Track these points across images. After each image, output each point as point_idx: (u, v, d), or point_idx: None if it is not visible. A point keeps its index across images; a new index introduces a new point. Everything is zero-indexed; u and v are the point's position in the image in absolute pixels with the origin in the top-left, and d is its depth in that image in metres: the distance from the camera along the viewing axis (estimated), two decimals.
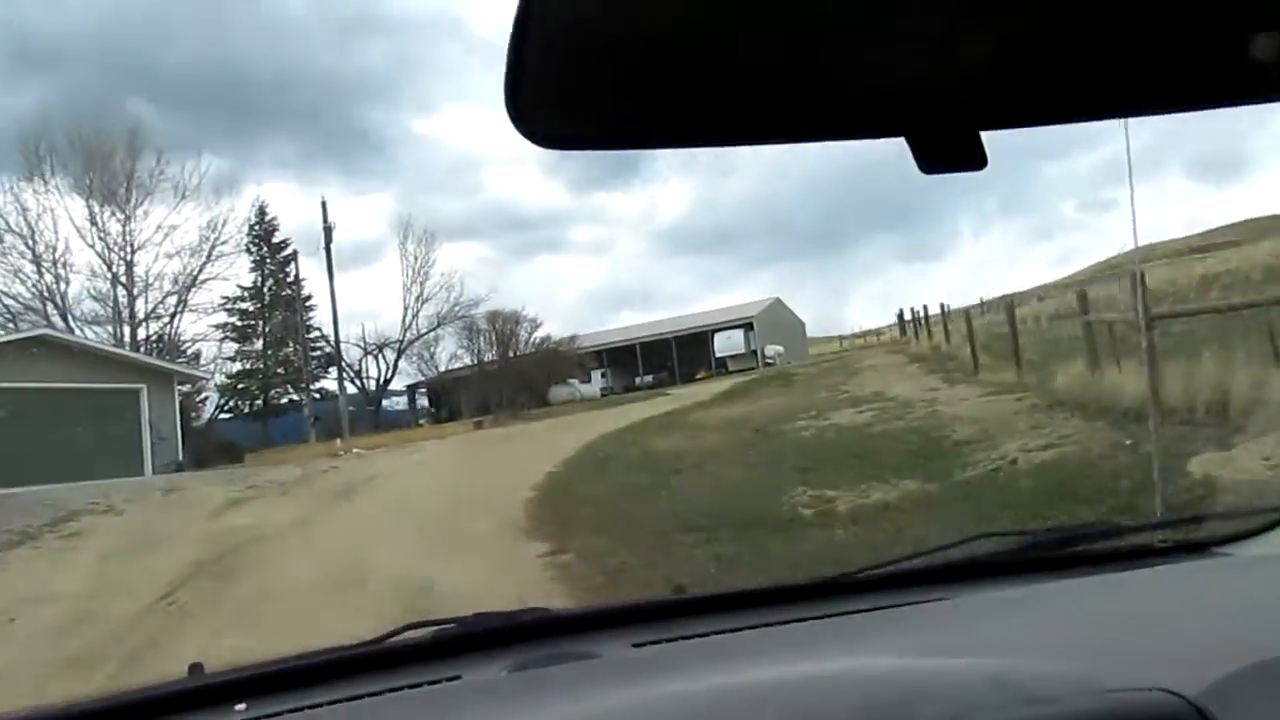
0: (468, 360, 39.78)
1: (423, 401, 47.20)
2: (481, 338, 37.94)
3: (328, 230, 31.65)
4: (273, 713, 1.26)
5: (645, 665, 1.32)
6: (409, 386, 46.64)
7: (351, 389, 43.25)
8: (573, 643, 1.41)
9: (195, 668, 1.44)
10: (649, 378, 57.67)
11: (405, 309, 43.58)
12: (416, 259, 43.16)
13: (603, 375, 57.05)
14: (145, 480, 20.61)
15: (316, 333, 42.35)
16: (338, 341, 31.81)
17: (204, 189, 37.86)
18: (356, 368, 43.28)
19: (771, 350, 61.11)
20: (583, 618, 1.66)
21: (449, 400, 40.21)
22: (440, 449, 20.77)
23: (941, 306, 37.78)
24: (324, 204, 32.16)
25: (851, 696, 0.94)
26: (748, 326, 62.10)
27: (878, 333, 74.97)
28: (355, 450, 25.04)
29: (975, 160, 0.74)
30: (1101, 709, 0.91)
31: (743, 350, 61.15)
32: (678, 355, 63.21)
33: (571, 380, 38.69)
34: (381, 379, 43.97)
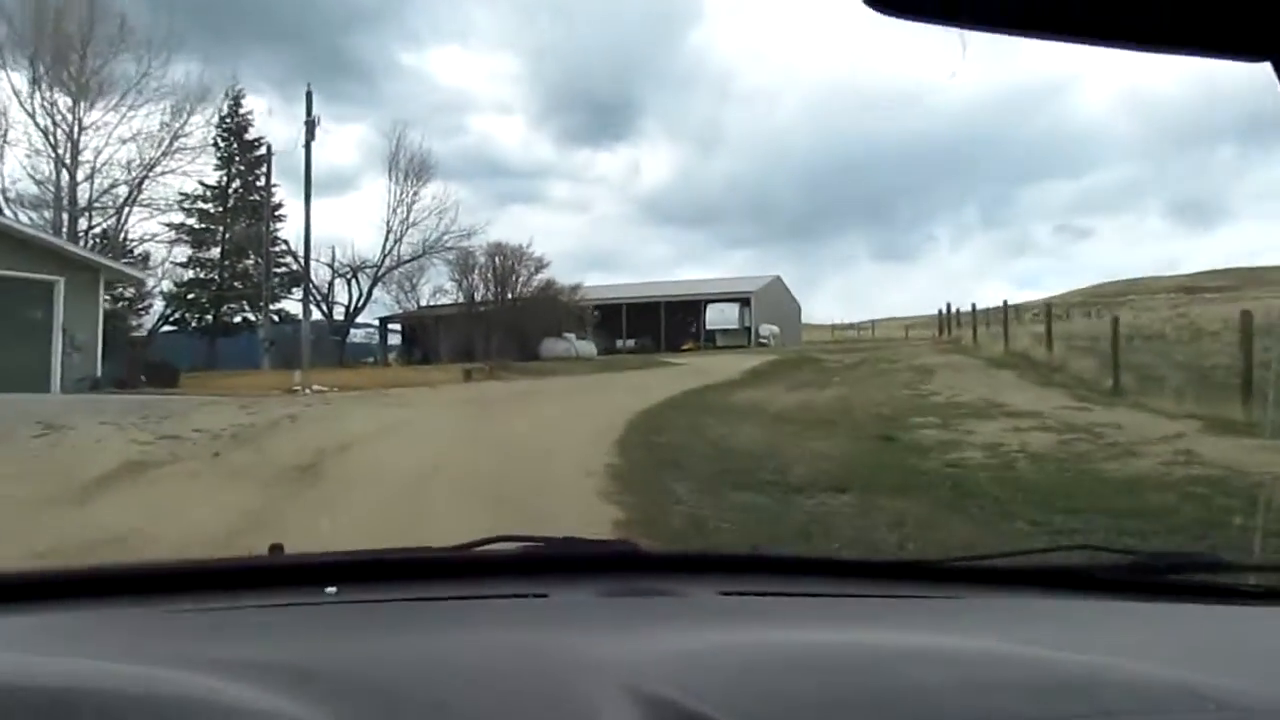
0: (453, 298, 34.79)
1: (395, 339, 42.27)
2: (476, 273, 33.13)
3: (310, 124, 26.58)
4: (360, 600, 1.26)
5: (733, 612, 1.27)
6: (381, 319, 41.23)
7: (317, 315, 38.29)
8: (658, 580, 1.35)
9: (276, 548, 1.43)
10: (631, 342, 54.74)
11: (388, 231, 38.34)
12: (407, 176, 37.95)
13: (580, 336, 56.77)
14: (36, 400, 15.70)
15: (282, 246, 37.19)
16: (308, 255, 26.79)
17: (174, 92, 32.04)
18: (324, 291, 38.16)
19: (766, 330, 58.05)
20: (671, 558, 1.65)
21: (426, 340, 34.99)
22: (430, 403, 15.98)
23: (973, 307, 34.02)
24: (309, 93, 27.14)
25: (1014, 674, 0.89)
26: (744, 302, 58.77)
27: (863, 326, 73.25)
28: (316, 387, 20.31)
29: None
30: None
31: (735, 326, 58.47)
32: (666, 323, 60.17)
33: (568, 335, 34.06)
34: (352, 307, 38.80)
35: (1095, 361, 17.51)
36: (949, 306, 32.40)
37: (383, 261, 37.53)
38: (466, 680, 0.89)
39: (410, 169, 37.83)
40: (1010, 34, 0.77)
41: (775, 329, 56.90)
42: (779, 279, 65.27)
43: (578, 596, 1.30)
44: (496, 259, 32.39)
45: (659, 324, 58.36)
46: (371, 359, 38.87)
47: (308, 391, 19.90)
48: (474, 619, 1.22)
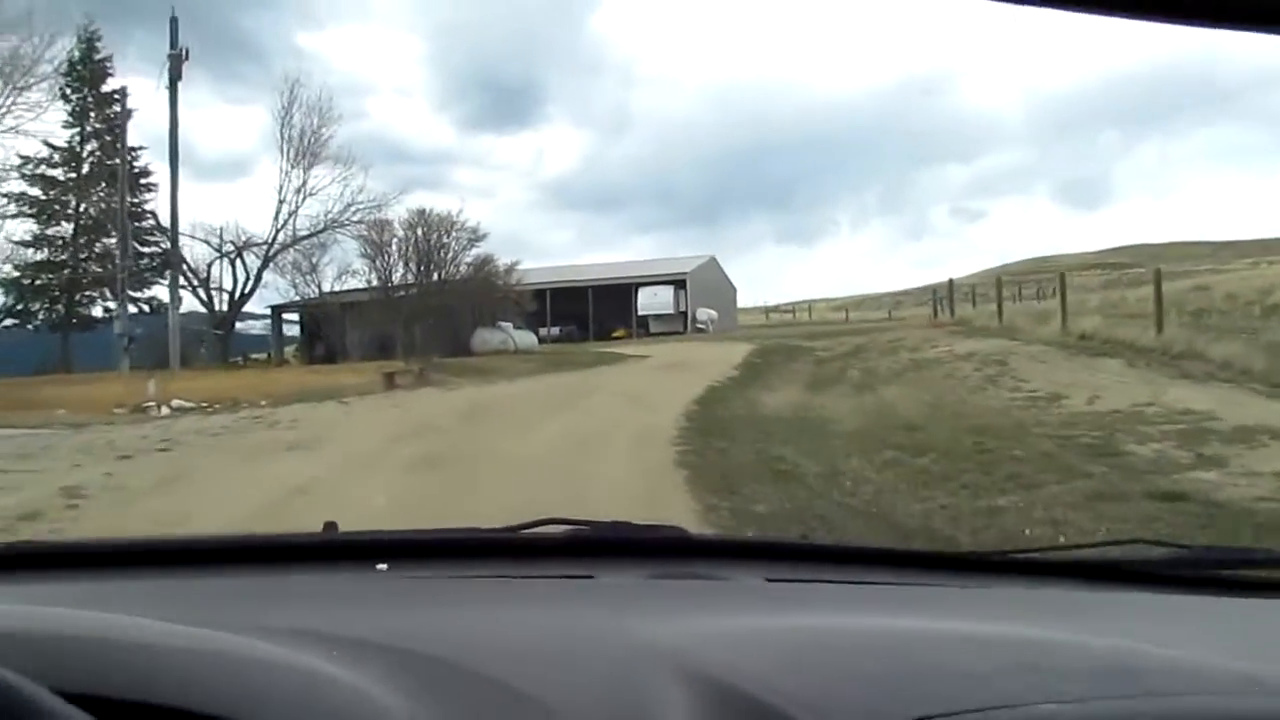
0: (365, 280, 28.21)
1: (292, 330, 35.73)
2: (394, 249, 27.08)
3: (176, 58, 20.40)
4: (411, 577, 1.27)
5: (780, 598, 1.24)
6: (274, 308, 34.41)
7: (195, 304, 31.66)
8: (706, 565, 1.33)
9: (330, 526, 1.44)
10: (556, 330, 50.14)
11: (280, 202, 31.70)
12: (304, 136, 31.46)
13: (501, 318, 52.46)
14: None
15: (150, 221, 30.53)
16: (174, 225, 20.64)
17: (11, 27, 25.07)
18: (203, 275, 31.47)
19: (704, 315, 53.82)
20: (718, 544, 1.67)
21: (332, 332, 28.38)
22: (344, 438, 10.30)
23: (949, 283, 29.89)
24: (174, 19, 20.92)
25: (1071, 661, 0.86)
26: (678, 284, 54.29)
27: (796, 307, 70.10)
28: (177, 403, 14.46)
29: None
30: None
31: (670, 311, 54.34)
32: (594, 308, 55.56)
33: (504, 324, 28.22)
34: (238, 293, 32.15)
35: (1240, 346, 13.10)
36: (951, 284, 27.86)
37: (274, 237, 31.09)
38: (516, 656, 0.89)
39: (304, 146, 31.49)
40: None
41: (713, 313, 52.98)
42: (714, 260, 60.80)
43: (625, 579, 1.28)
44: (419, 231, 26.24)
45: (586, 310, 54.20)
46: (265, 355, 32.55)
47: (164, 410, 14.01)
48: (522, 597, 1.21)
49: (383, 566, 1.28)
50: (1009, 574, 1.43)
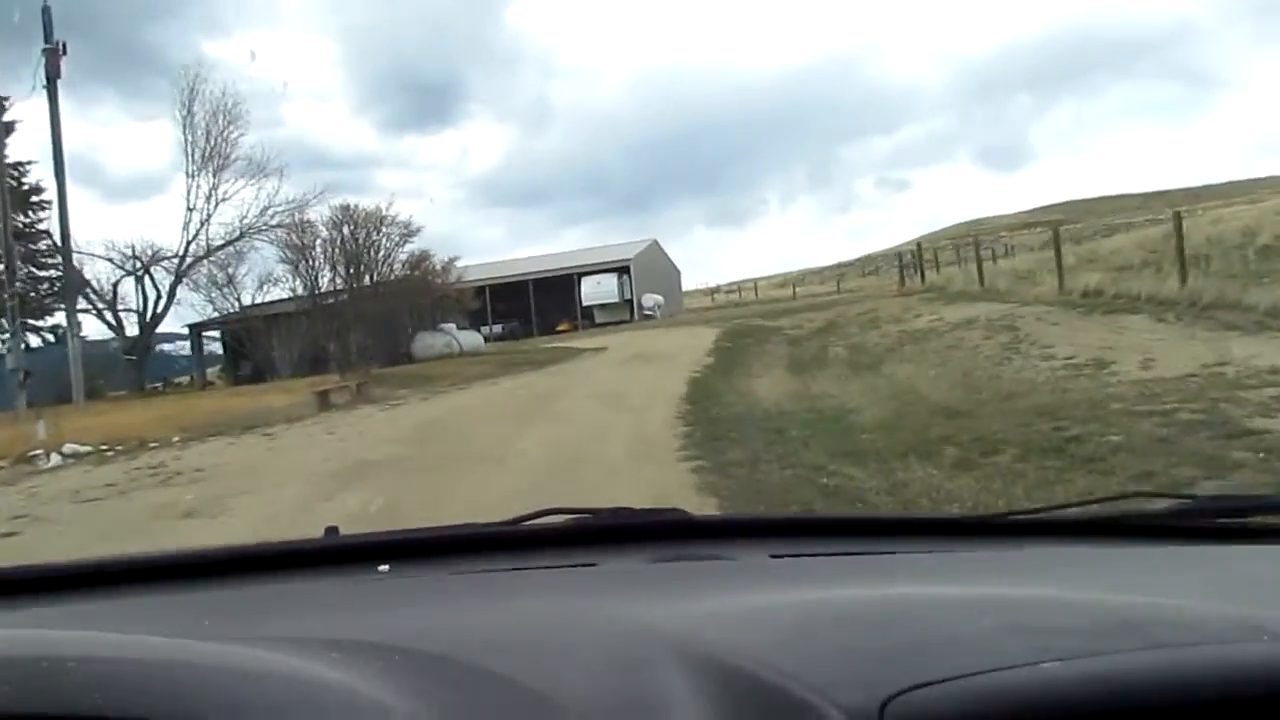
0: (290, 289, 25.62)
1: (214, 347, 32.89)
2: (318, 252, 24.55)
3: (50, 52, 17.81)
4: (413, 576, 1.27)
5: (784, 573, 1.23)
6: (192, 327, 31.41)
7: (103, 329, 28.84)
8: (710, 546, 1.33)
9: (331, 530, 1.42)
10: (498, 327, 48.08)
11: (189, 210, 28.87)
12: (210, 138, 28.66)
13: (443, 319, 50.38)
14: None
15: (47, 241, 27.64)
16: (65, 242, 17.99)
17: None
18: (108, 296, 28.59)
19: (650, 300, 52.40)
20: (721, 524, 1.70)
21: (257, 348, 25.65)
22: (269, 484, 8.54)
23: (917, 248, 28.45)
24: (46, 9, 18.28)
25: (1071, 619, 0.86)
26: (622, 271, 52.67)
27: (742, 286, 68.82)
28: (70, 448, 12.14)
29: None
30: None
31: (615, 299, 52.88)
32: (535, 302, 53.79)
33: (447, 325, 25.90)
34: (151, 314, 29.30)
35: None
36: (918, 249, 26.33)
37: (186, 250, 28.34)
38: (517, 648, 0.88)
39: (211, 149, 28.71)
40: None
41: (659, 299, 51.52)
42: (656, 243, 59.14)
43: (628, 564, 1.27)
44: (345, 229, 23.55)
45: (528, 304, 52.44)
46: (187, 379, 29.89)
47: (53, 458, 11.70)
48: (525, 589, 1.19)
49: (384, 568, 1.27)
50: (1012, 535, 1.41)
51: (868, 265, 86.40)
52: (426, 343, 24.12)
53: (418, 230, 25.93)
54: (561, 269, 53.37)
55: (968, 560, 1.30)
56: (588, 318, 51.23)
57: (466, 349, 24.91)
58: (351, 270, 22.62)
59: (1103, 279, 15.53)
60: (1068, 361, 10.55)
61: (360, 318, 21.74)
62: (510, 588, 1.19)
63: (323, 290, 23.08)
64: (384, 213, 24.27)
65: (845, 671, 0.75)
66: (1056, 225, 18.11)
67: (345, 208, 23.69)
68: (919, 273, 23.81)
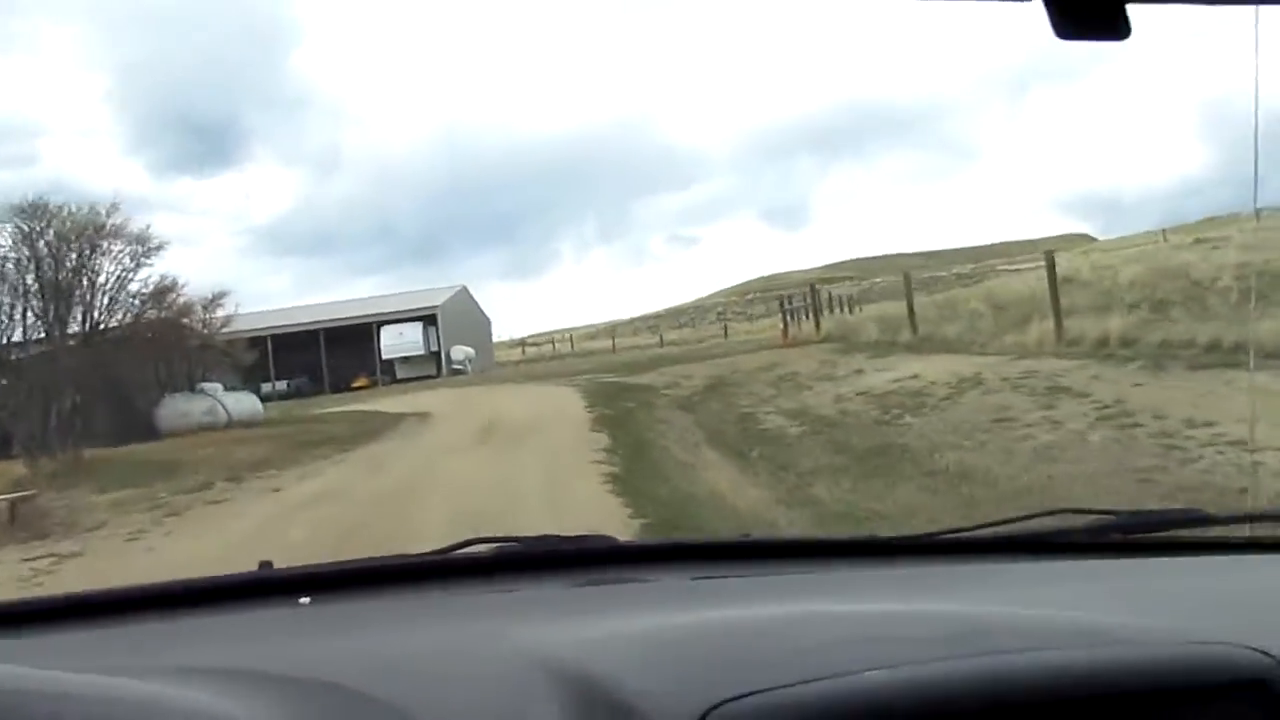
0: None
1: None
2: (8, 289, 16.13)
3: None
4: (336, 607, 1.26)
5: (702, 594, 1.24)
6: None
7: None
8: (633, 571, 1.33)
9: (264, 564, 1.40)
10: (283, 384, 42.77)
11: None
12: None
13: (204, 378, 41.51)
14: None
15: None
16: None
17: None
18: None
19: (461, 353, 46.48)
20: (647, 549, 1.70)
21: None
22: None
23: (811, 289, 24.61)
24: None
25: (918, 630, 0.89)
26: (428, 320, 46.42)
27: (554, 338, 64.57)
28: None
29: (1117, 29, 0.69)
30: (1185, 657, 0.84)
31: (421, 351, 45.43)
32: (327, 355, 46.53)
33: (209, 385, 18.73)
34: None
35: None
36: (813, 290, 22.18)
37: None
38: (412, 676, 0.89)
39: None
40: None
41: (470, 351, 45.79)
42: (465, 290, 53.23)
43: (547, 590, 1.28)
44: (40, 243, 15.04)
45: (319, 358, 45.19)
46: None
47: None
48: (439, 617, 1.20)
49: (305, 600, 1.23)
50: (934, 554, 1.40)
51: (682, 316, 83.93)
52: (178, 410, 17.24)
53: (158, 247, 18.20)
54: (358, 317, 46.45)
55: (873, 578, 1.30)
56: (388, 372, 44.73)
57: (238, 417, 18.25)
58: (55, 308, 15.26)
59: (1125, 324, 11.60)
60: None
61: (74, 375, 14.55)
62: (428, 616, 1.20)
63: (9, 340, 15.36)
64: (105, 220, 16.33)
65: (679, 684, 0.77)
66: (1049, 255, 14.17)
67: (38, 207, 15.95)
68: (811, 317, 19.53)
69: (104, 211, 16.14)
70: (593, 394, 17.09)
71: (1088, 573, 1.29)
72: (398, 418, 16.80)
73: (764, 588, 1.24)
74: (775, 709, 0.72)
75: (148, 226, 17.32)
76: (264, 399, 41.94)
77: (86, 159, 66.70)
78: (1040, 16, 0.68)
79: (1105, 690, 0.78)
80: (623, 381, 19.48)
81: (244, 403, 18.72)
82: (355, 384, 42.76)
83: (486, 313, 55.59)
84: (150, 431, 16.12)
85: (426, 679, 0.87)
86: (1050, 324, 13.00)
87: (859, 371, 14.05)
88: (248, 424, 17.91)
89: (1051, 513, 1.57)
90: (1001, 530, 1.53)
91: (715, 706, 0.72)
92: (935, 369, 12.47)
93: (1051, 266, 13.79)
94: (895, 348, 16.15)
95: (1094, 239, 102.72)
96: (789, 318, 20.32)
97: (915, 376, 12.20)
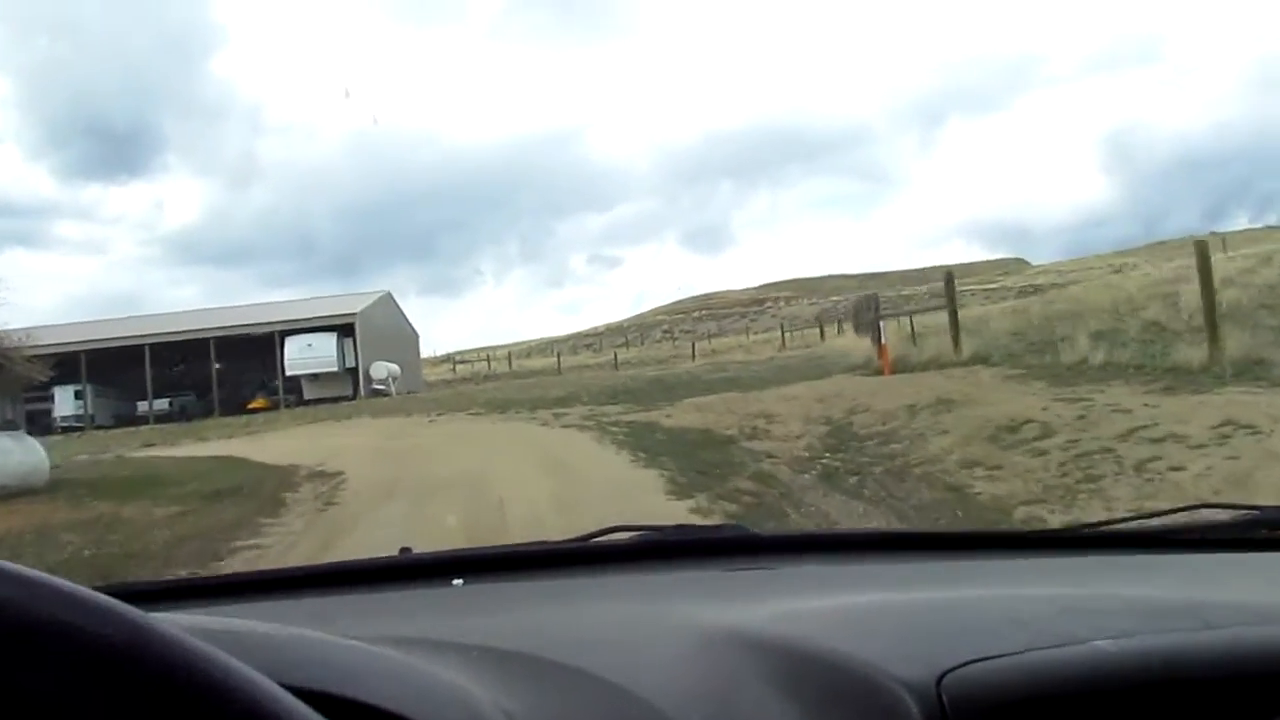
0: None
1: None
2: None
3: None
4: (486, 587, 1.29)
5: (840, 582, 1.22)
6: None
7: None
8: (771, 560, 1.34)
9: (405, 550, 1.44)
10: (165, 403, 36.53)
11: None
12: None
13: (77, 396, 35.46)
14: None
15: None
16: None
17: None
18: None
19: (382, 370, 38.17)
20: (782, 539, 1.70)
21: None
22: None
23: (874, 297, 17.96)
24: None
25: (1126, 606, 0.88)
26: (343, 330, 38.11)
27: (490, 355, 57.65)
28: None
29: None
30: None
31: (335, 368, 37.51)
32: (220, 370, 38.60)
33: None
34: None
35: None
36: (875, 299, 15.54)
37: None
38: (594, 646, 0.88)
39: None
40: None
41: (394, 368, 37.61)
42: (389, 296, 45.19)
43: (693, 574, 1.30)
44: None
45: (208, 373, 37.05)
46: None
47: None
48: (598, 597, 1.21)
49: (458, 581, 1.28)
50: (1077, 548, 1.38)
51: (622, 335, 77.26)
52: None
53: None
54: (258, 324, 38.06)
55: (1032, 567, 1.29)
56: (294, 391, 36.54)
57: (10, 479, 10.48)
58: None
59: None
60: None
61: None
62: (584, 595, 1.21)
63: None
64: None
65: (905, 650, 0.77)
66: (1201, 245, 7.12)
67: None
68: (950, 330, 12.65)
69: None
70: (650, 452, 9.65)
71: (1244, 565, 1.25)
72: (287, 476, 9.30)
73: (913, 573, 1.22)
74: (1009, 673, 0.71)
75: None
76: (138, 420, 33.68)
77: None
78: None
79: None
80: (654, 422, 12.08)
81: (24, 455, 10.88)
82: (252, 405, 34.80)
83: (414, 325, 47.55)
84: None
85: (617, 650, 0.86)
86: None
87: (1049, 409, 7.13)
88: (19, 491, 10.09)
89: (1191, 507, 1.51)
90: (1145, 524, 1.49)
91: (950, 669, 0.70)
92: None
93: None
94: (1086, 371, 9.37)
95: (1028, 263, 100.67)
96: (879, 331, 13.36)
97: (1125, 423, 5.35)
